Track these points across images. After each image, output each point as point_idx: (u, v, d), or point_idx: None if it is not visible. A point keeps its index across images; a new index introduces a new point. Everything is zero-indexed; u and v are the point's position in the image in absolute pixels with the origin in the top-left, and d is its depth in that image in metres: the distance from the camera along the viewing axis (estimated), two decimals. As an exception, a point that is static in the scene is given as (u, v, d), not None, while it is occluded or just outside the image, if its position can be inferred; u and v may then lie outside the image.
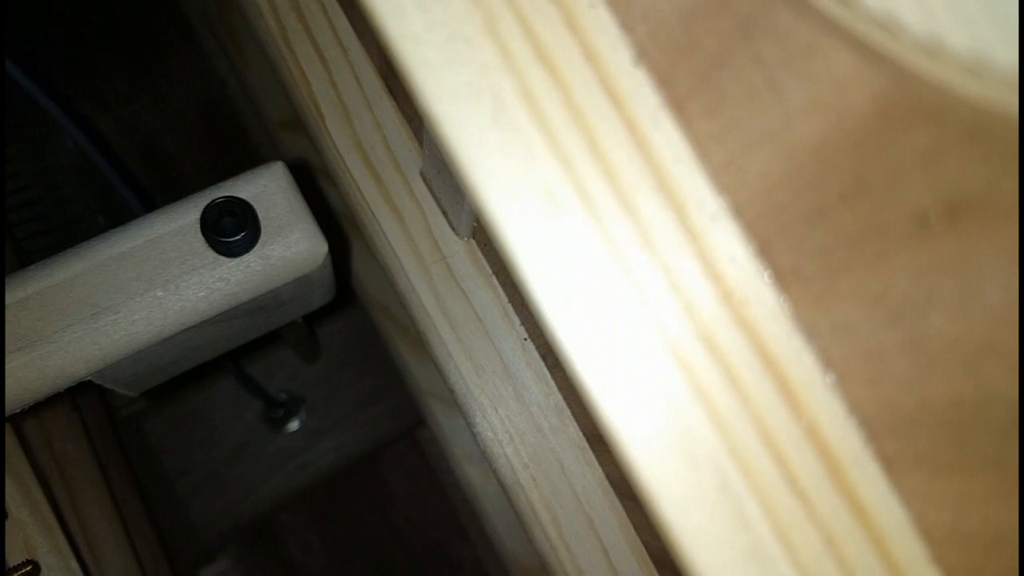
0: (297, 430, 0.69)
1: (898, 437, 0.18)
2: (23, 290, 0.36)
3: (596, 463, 0.39)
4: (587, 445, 0.39)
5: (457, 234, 0.41)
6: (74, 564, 0.41)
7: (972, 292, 0.14)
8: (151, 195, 0.67)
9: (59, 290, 0.36)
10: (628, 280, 0.19)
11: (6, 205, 0.66)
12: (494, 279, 0.41)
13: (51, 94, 0.46)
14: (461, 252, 0.41)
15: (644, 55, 0.20)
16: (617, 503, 0.40)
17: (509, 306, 0.40)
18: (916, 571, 0.18)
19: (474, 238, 0.41)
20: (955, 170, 0.13)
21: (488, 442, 0.41)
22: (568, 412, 0.40)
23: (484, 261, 0.41)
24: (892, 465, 0.18)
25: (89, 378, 0.37)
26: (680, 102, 0.20)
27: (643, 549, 0.39)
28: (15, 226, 0.65)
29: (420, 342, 0.53)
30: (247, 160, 0.74)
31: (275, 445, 0.68)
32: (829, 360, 0.18)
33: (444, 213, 0.41)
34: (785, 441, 0.19)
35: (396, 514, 0.77)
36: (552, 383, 0.40)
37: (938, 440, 0.17)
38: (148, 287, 0.36)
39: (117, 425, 0.65)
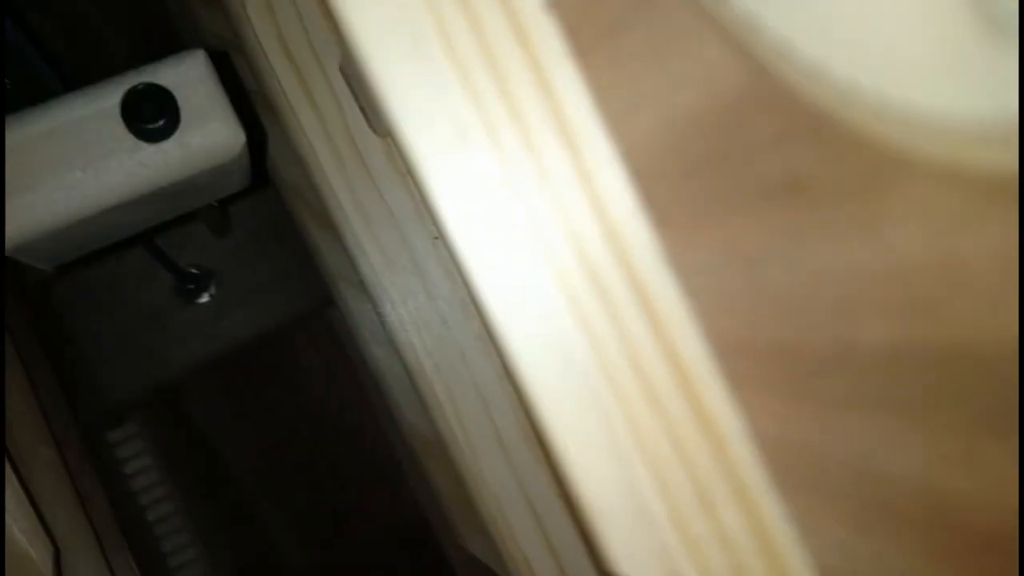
0: (208, 303, 0.70)
1: (740, 361, 0.21)
2: (-65, 163, 0.36)
3: (495, 355, 0.43)
4: (487, 338, 0.43)
5: (374, 131, 0.42)
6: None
7: (798, 256, 0.17)
8: (61, 62, 0.65)
9: (-27, 165, 0.37)
10: (525, 210, 0.22)
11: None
12: (408, 178, 0.42)
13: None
14: (378, 149, 0.42)
15: (555, 4, 0.22)
16: (510, 390, 0.44)
17: (422, 205, 0.43)
18: (747, 469, 0.22)
19: (391, 136, 0.42)
20: (795, 157, 0.16)
21: (396, 330, 0.44)
22: (472, 308, 0.43)
23: (400, 159, 0.42)
24: (735, 382, 0.22)
25: (5, 253, 0.38)
26: (584, 52, 0.22)
27: (531, 431, 0.43)
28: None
29: (332, 226, 0.54)
30: (164, 34, 0.72)
31: (185, 316, 0.70)
32: (691, 292, 0.22)
33: (362, 110, 0.42)
34: (647, 357, 0.22)
35: (302, 385, 0.80)
36: (459, 280, 0.43)
37: (770, 368, 0.20)
38: (68, 168, 0.37)
39: (26, 290, 0.65)
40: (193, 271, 0.70)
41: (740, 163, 0.17)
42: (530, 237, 0.22)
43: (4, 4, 0.44)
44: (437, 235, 0.43)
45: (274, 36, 0.42)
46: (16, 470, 0.46)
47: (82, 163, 0.37)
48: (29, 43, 0.48)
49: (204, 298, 0.71)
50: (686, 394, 0.22)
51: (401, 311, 0.43)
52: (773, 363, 0.20)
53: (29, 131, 0.36)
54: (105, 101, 0.37)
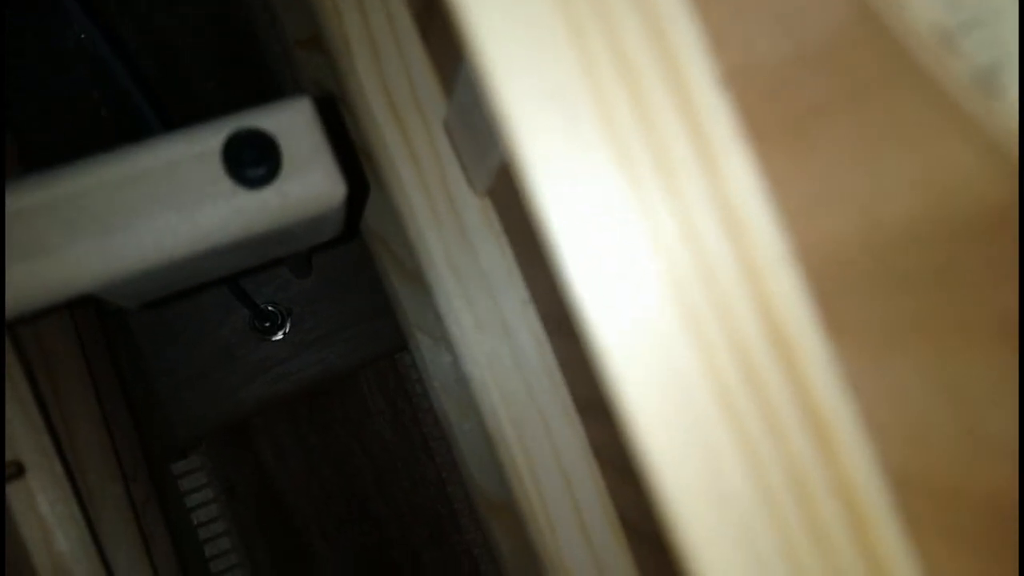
0: (281, 341, 0.69)
1: (929, 506, 0.18)
2: (32, 197, 0.35)
3: (581, 429, 0.41)
4: (575, 411, 0.40)
5: (473, 189, 0.41)
6: (58, 467, 0.42)
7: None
8: (159, 96, 0.66)
9: (71, 202, 0.36)
10: (682, 306, 0.19)
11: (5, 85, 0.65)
12: (503, 238, 0.41)
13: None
14: (474, 207, 0.41)
15: (731, 80, 0.19)
16: (596, 468, 0.41)
17: (515, 267, 0.41)
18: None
19: (490, 196, 0.41)
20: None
21: (479, 395, 0.42)
22: (560, 378, 0.41)
23: (496, 219, 0.41)
24: (918, 530, 0.19)
25: (90, 292, 0.37)
26: (762, 136, 0.19)
27: (616, 516, 0.40)
28: (13, 105, 0.64)
29: (413, 274, 0.53)
30: (260, 75, 0.72)
31: (259, 353, 0.69)
32: (872, 419, 0.19)
33: (463, 167, 0.40)
34: (814, 488, 0.19)
35: (368, 429, 0.79)
36: (548, 347, 0.41)
37: (967, 521, 0.17)
38: (162, 209, 0.36)
39: (105, 321, 0.65)
40: (270, 309, 0.69)
41: (970, 290, 0.14)
42: (687, 339, 0.19)
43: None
44: (528, 299, 0.41)
45: (379, 87, 0.41)
46: (84, 508, 0.45)
47: (176, 205, 0.36)
48: (134, 82, 0.48)
49: (278, 336, 0.70)
50: (856, 533, 0.19)
51: (486, 375, 0.41)
52: (972, 516, 0.17)
53: (126, 169, 0.35)
54: (206, 144, 0.36)
